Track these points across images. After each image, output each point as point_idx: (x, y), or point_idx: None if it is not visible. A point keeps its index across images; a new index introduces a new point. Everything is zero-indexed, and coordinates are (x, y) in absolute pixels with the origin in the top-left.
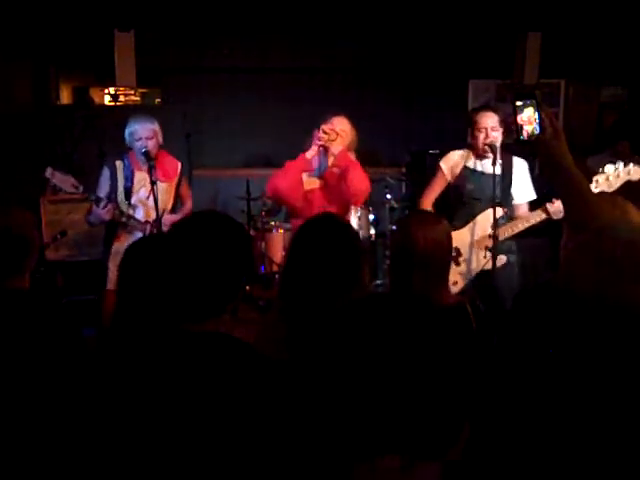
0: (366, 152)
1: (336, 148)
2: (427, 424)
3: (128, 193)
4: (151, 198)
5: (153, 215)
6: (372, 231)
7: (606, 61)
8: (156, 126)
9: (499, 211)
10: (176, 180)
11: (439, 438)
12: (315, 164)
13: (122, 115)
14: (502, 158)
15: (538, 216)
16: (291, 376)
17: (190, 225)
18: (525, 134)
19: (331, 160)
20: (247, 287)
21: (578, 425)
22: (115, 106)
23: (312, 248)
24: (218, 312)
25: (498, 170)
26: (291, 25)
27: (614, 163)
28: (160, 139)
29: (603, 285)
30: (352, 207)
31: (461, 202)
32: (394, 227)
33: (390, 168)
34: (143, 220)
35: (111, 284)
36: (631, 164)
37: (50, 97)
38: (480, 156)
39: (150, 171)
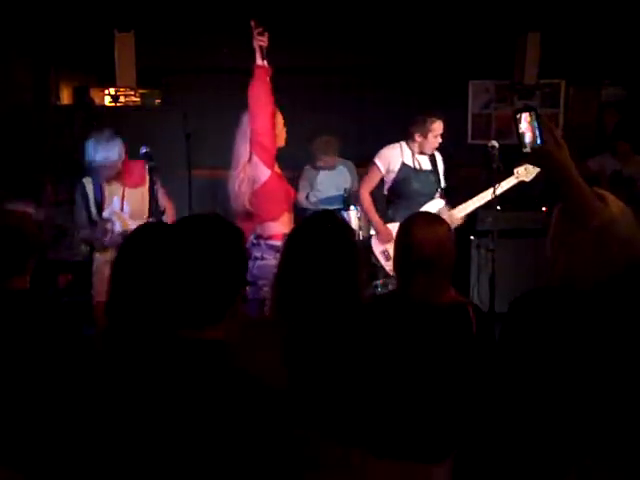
0: (366, 152)
1: None
2: (432, 426)
3: (99, 206)
4: (126, 208)
5: (130, 224)
6: (372, 231)
7: (606, 61)
8: (115, 152)
9: (442, 202)
10: (147, 185)
11: (445, 440)
12: None
13: (122, 116)
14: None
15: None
16: (290, 385)
17: (186, 228)
18: (527, 146)
19: None
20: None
21: (580, 423)
22: (115, 107)
23: (307, 247)
24: (217, 317)
25: (430, 166)
26: (291, 25)
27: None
28: (122, 154)
29: (602, 282)
30: (352, 207)
31: (406, 199)
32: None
33: None
34: (121, 230)
35: (99, 296)
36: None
37: (50, 97)
38: (420, 153)
39: (151, 172)
